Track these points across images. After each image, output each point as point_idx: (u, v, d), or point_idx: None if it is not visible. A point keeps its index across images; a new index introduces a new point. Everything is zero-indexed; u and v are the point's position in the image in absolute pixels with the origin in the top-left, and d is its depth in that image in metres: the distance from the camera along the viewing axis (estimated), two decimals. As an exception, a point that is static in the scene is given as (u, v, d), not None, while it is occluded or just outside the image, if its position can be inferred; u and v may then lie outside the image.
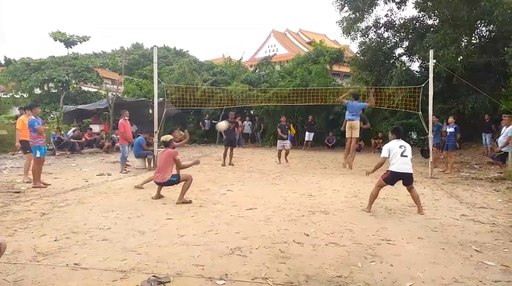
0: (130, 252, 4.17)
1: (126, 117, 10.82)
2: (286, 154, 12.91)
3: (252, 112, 21.70)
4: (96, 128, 17.53)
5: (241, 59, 26.77)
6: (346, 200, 7.20)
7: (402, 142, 6.18)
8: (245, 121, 20.50)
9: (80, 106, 18.68)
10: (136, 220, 5.52)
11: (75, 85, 24.31)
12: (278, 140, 12.92)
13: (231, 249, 4.29)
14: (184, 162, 6.98)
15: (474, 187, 8.58)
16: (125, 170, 10.54)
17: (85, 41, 24.90)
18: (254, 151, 17.67)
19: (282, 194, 7.62)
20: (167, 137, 7.21)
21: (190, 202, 6.68)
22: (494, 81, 15.76)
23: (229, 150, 12.06)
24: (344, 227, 5.26)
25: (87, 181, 8.88)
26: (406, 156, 6.00)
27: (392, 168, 6.01)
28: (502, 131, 10.56)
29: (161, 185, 6.98)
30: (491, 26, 15.11)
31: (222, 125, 11.52)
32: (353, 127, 10.46)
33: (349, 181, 9.39)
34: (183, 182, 6.83)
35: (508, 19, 13.17)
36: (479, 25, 15.59)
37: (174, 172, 7.09)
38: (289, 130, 13.48)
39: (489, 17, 13.66)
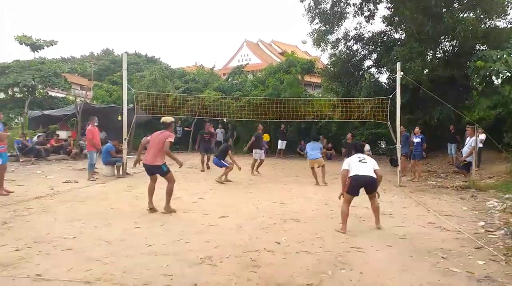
0: (95, 262, 4.03)
1: (94, 124, 10.56)
2: (258, 165, 12.61)
3: (225, 120, 21.65)
4: (63, 134, 16.98)
5: (213, 67, 26.74)
6: (317, 207, 7.26)
7: (361, 155, 6.06)
8: (218, 129, 20.38)
9: (46, 112, 18.09)
10: (103, 229, 5.36)
11: (41, 91, 23.54)
12: (256, 150, 12.56)
13: (201, 258, 4.21)
14: (171, 154, 6.62)
15: (440, 195, 8.83)
16: (93, 178, 10.24)
17: (52, 45, 24.15)
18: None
19: (254, 202, 7.60)
20: (168, 118, 6.72)
21: (175, 211, 6.49)
22: (458, 94, 16.40)
23: (205, 157, 12.19)
24: (315, 235, 5.29)
25: (52, 189, 8.56)
26: (365, 162, 5.84)
27: (351, 174, 5.74)
28: (466, 141, 10.96)
29: (148, 168, 6.56)
30: (454, 41, 15.77)
31: None
32: (318, 163, 10.55)
33: (320, 189, 9.49)
34: (167, 183, 6.56)
35: (469, 35, 13.79)
36: (443, 40, 16.24)
37: (167, 161, 6.63)
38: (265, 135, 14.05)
39: (452, 32, 14.27)
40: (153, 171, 6.61)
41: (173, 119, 6.85)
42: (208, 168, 12.79)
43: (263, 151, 12.77)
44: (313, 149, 10.69)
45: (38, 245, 4.54)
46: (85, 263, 3.99)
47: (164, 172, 6.53)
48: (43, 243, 4.62)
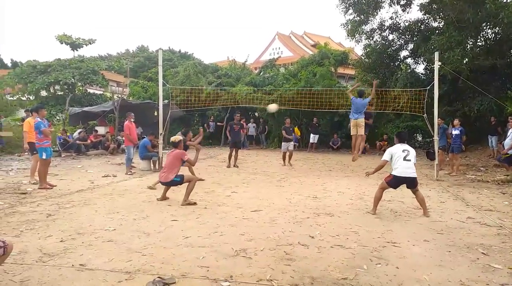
0: (135, 253, 4.18)
1: (131, 119, 10.88)
2: (290, 157, 12.70)
3: (256, 114, 21.73)
4: (101, 130, 17.61)
5: (246, 61, 26.82)
6: (351, 202, 7.18)
7: (405, 146, 6.18)
8: (250, 123, 20.51)
9: (85, 109, 18.79)
10: (141, 221, 5.54)
11: (81, 88, 24.47)
12: (283, 142, 12.76)
13: (236, 250, 4.28)
14: (192, 159, 7.10)
15: (480, 190, 8.52)
16: (131, 172, 10.57)
17: (91, 43, 25.01)
18: (258, 152, 17.66)
19: (287, 196, 7.61)
20: (176, 138, 7.23)
21: (195, 203, 6.70)
22: (499, 84, 15.67)
23: (234, 152, 12.14)
24: (350, 229, 5.25)
25: (92, 182, 8.92)
26: (409, 160, 5.98)
27: (395, 172, 6.00)
28: (508, 133, 10.49)
29: (164, 184, 7.01)
30: (497, 28, 15.01)
31: (272, 107, 11.18)
32: (358, 125, 10.33)
33: (354, 183, 9.37)
34: (187, 183, 6.87)
35: (513, 21, 13.09)
36: (484, 28, 15.50)
37: (181, 172, 7.13)
38: (293, 132, 13.44)
39: (495, 19, 13.59)
40: (169, 185, 7.02)
41: (181, 138, 7.36)
42: (237, 166, 12.21)
43: (291, 143, 12.69)
44: (358, 108, 9.75)
45: (81, 236, 4.76)
46: (125, 254, 4.15)
47: (179, 181, 6.92)
48: (86, 234, 4.84)
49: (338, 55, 21.36)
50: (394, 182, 6.06)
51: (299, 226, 5.38)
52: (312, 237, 4.85)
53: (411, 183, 6.03)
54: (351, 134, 10.37)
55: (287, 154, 12.62)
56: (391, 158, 6.12)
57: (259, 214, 6.07)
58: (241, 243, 4.58)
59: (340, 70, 24.92)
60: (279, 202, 7.01)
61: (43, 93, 24.01)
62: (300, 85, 18.39)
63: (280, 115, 17.54)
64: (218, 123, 20.86)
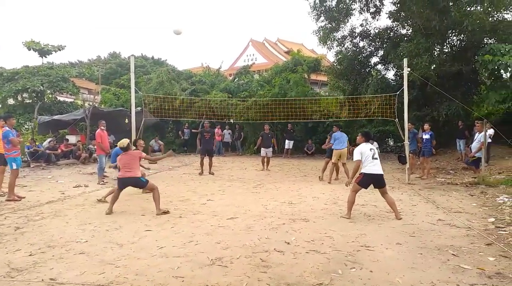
0: (108, 265, 4.08)
1: (102, 127, 10.66)
2: (267, 163, 13.29)
3: (232, 121, 21.71)
4: (72, 139, 17.14)
5: (220, 68, 26.78)
6: (326, 207, 7.26)
7: (371, 145, 6.46)
8: (225, 130, 20.46)
9: (55, 117, 18.23)
10: (114, 232, 5.42)
11: (50, 96, 23.78)
12: (262, 148, 13.30)
13: (211, 259, 4.26)
14: (153, 157, 7.03)
15: (450, 192, 8.78)
16: (103, 181, 10.34)
17: (60, 50, 24.30)
18: (234, 159, 17.63)
19: (263, 203, 7.63)
20: (124, 142, 6.96)
21: (167, 211, 6.63)
22: (466, 89, 16.27)
23: (207, 159, 12.09)
24: (324, 234, 5.30)
25: (63, 193, 8.67)
26: (377, 158, 6.27)
27: (365, 170, 6.23)
28: (475, 137, 10.88)
29: (127, 181, 6.72)
30: (462, 35, 15.62)
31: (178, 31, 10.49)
32: (342, 154, 10.53)
33: (329, 188, 9.49)
34: (151, 193, 6.78)
35: (477, 29, 13.67)
36: (450, 35, 16.10)
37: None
38: (272, 139, 13.85)
39: (459, 27, 14.14)
40: (132, 183, 6.82)
41: (128, 141, 7.08)
42: (212, 173, 12.16)
43: (269, 149, 13.39)
44: (340, 139, 10.56)
45: (51, 249, 4.62)
46: (98, 266, 4.06)
47: (144, 182, 6.82)
48: (56, 247, 4.70)
49: (311, 62, 21.65)
50: (365, 179, 6.26)
51: (275, 233, 5.40)
52: (288, 243, 4.88)
53: (380, 181, 6.25)
54: (333, 161, 10.63)
55: (265, 159, 13.23)
56: (361, 157, 6.31)
57: (235, 222, 6.05)
58: (217, 251, 4.55)
59: (313, 76, 25.25)
60: (255, 209, 7.02)
61: (11, 101, 23.19)
62: (274, 91, 18.52)
63: (257, 122, 17.58)
64: (193, 131, 20.70)
